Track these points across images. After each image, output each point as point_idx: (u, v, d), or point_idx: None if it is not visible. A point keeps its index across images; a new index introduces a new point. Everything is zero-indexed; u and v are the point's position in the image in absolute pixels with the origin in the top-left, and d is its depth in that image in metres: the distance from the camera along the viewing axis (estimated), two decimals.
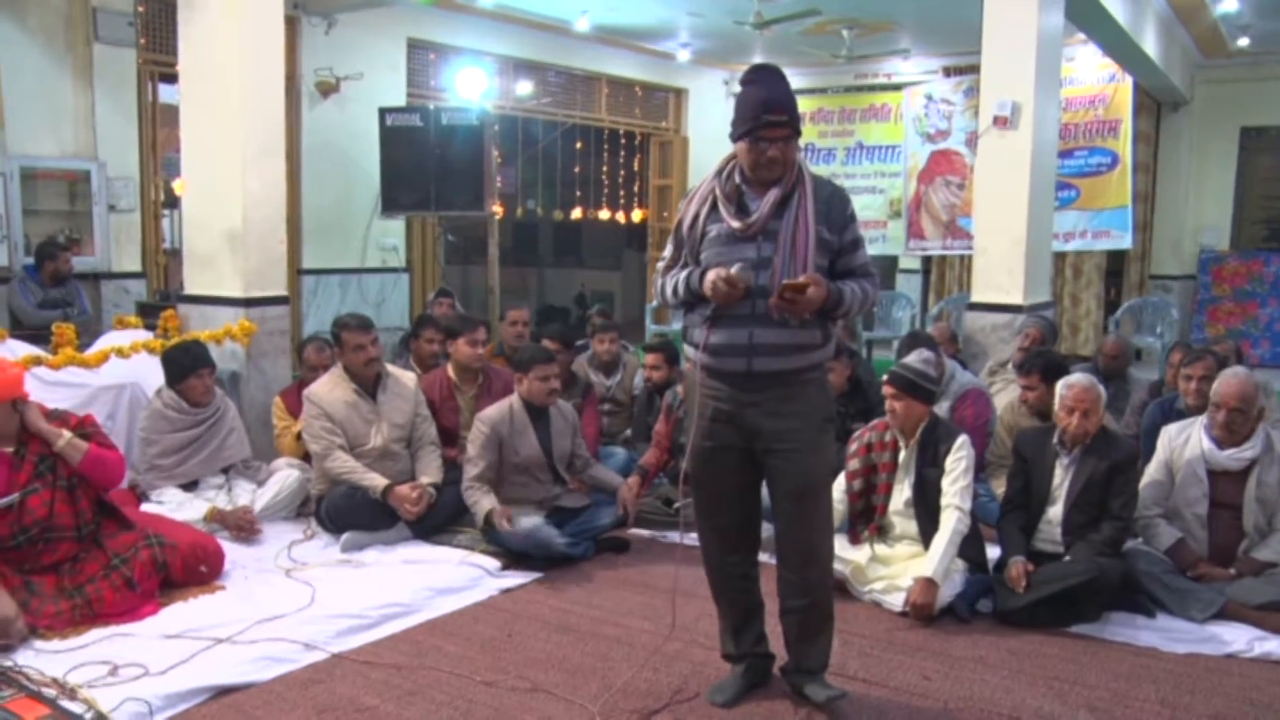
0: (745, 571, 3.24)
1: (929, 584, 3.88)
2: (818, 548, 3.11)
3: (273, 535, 4.74)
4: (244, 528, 4.66)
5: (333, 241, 8.72)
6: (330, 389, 4.83)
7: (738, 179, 3.01)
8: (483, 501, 4.56)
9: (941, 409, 5.27)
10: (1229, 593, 3.92)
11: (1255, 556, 4.04)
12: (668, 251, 3.16)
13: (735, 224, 2.95)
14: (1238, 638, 3.75)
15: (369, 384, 4.88)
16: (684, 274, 3.05)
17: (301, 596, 3.97)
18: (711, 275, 2.91)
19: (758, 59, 11.71)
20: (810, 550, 3.09)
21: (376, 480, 4.66)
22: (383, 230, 8.99)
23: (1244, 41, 9.95)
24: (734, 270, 2.87)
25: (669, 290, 3.11)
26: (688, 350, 3.13)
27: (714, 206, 3.02)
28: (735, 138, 2.98)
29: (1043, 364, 5.00)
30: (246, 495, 4.94)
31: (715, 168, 3.09)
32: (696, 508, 3.21)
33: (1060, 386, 4.22)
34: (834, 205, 3.01)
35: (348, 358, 4.85)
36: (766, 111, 2.90)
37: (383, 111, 8.15)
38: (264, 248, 5.71)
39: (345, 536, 4.61)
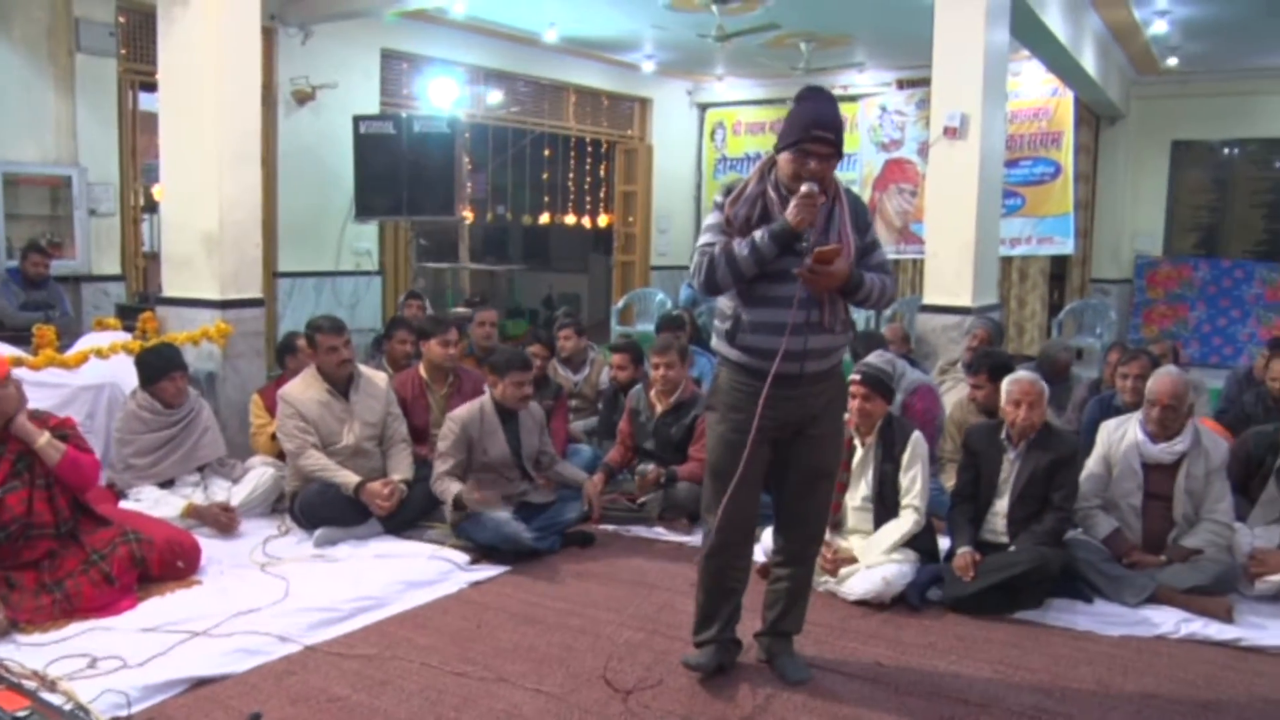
0: (748, 564, 3.32)
1: (852, 558, 4.05)
2: (821, 525, 3.37)
3: (248, 531, 4.70)
4: (223, 522, 4.61)
5: (308, 245, 8.63)
6: (304, 389, 4.79)
7: (784, 191, 3.06)
8: (450, 487, 4.53)
9: (895, 403, 5.30)
10: (1160, 578, 4.01)
11: (1184, 544, 4.12)
12: (710, 238, 3.12)
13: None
14: (1166, 620, 3.84)
15: (341, 384, 4.84)
16: (753, 233, 3.02)
17: (276, 590, 3.93)
18: (793, 203, 2.96)
19: (719, 70, 11.77)
20: (816, 527, 3.35)
21: (349, 477, 4.62)
22: (356, 234, 8.92)
23: (1173, 61, 10.13)
24: (805, 189, 2.95)
25: (734, 253, 3.02)
26: (728, 351, 3.15)
27: (765, 211, 3.07)
28: (781, 148, 3.07)
29: (990, 364, 5.05)
30: (222, 493, 4.88)
31: (757, 174, 3.14)
32: (725, 501, 3.14)
33: (1006, 382, 4.27)
34: (859, 213, 3.17)
35: (321, 359, 4.82)
36: (816, 127, 2.98)
37: (357, 119, 8.09)
38: (240, 251, 5.65)
39: (319, 532, 4.58)
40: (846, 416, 4.24)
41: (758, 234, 3.01)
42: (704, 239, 3.14)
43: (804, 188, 2.95)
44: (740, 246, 3.02)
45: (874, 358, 4.26)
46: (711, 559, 3.24)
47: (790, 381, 3.06)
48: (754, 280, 3.05)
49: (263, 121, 5.81)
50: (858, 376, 4.15)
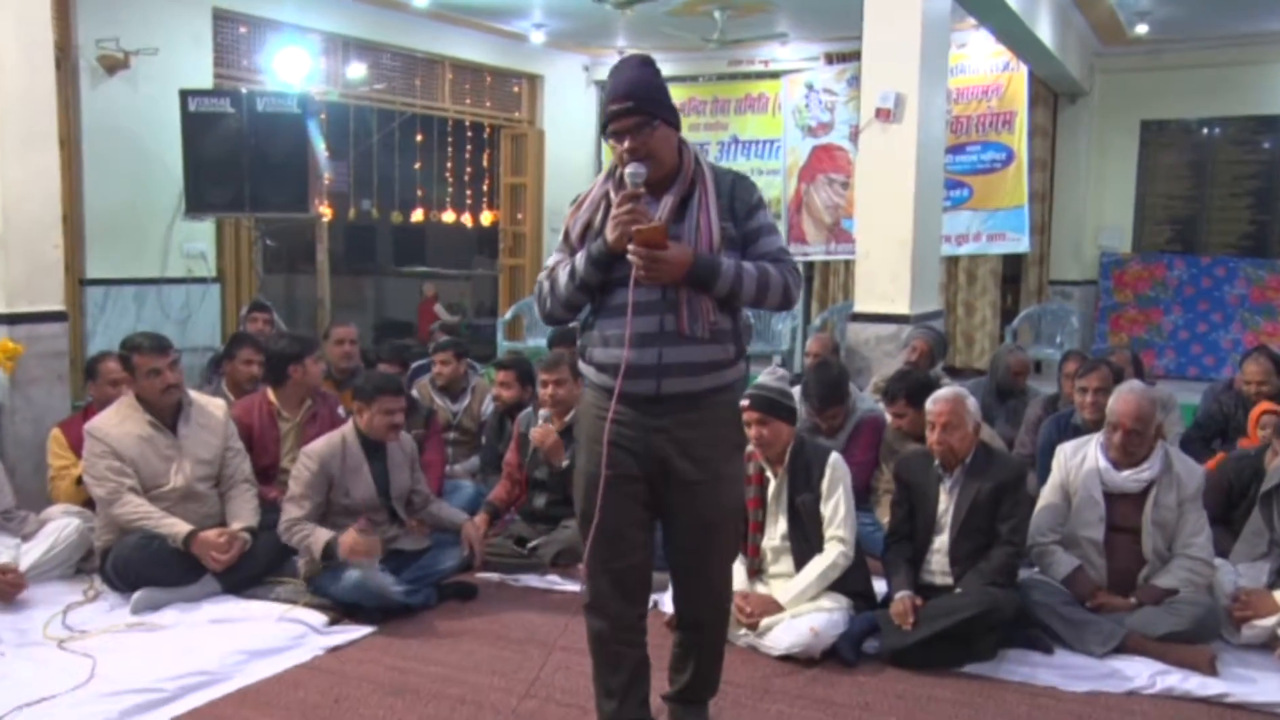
0: (636, 623, 3.21)
1: (772, 603, 4.07)
2: (723, 585, 3.26)
3: (43, 599, 4.53)
4: (4, 589, 4.45)
5: (126, 246, 8.40)
6: (119, 422, 4.67)
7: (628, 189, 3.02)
8: (317, 534, 4.46)
9: (839, 441, 5.39)
10: (1129, 624, 4.09)
11: (1156, 584, 4.20)
12: (552, 260, 3.15)
13: None
14: (1139, 672, 3.91)
15: (167, 414, 4.74)
16: (576, 256, 3.04)
17: (78, 671, 3.80)
18: (610, 220, 2.92)
19: (620, 42, 11.84)
20: (718, 589, 3.23)
21: (177, 526, 4.52)
22: (188, 233, 8.71)
23: (1143, 29, 10.32)
24: (629, 174, 2.91)
25: (558, 280, 3.06)
26: (585, 370, 3.13)
27: (609, 213, 3.02)
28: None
29: (907, 387, 5.17)
30: (8, 552, 4.70)
31: (606, 170, 3.13)
32: (590, 548, 3.12)
33: (927, 403, 4.38)
34: (737, 195, 3.08)
35: (140, 385, 4.70)
36: (611, 102, 2.97)
37: (185, 94, 7.90)
38: (32, 253, 5.51)
39: (137, 595, 4.46)
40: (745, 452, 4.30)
41: (578, 257, 3.02)
42: (549, 259, 3.15)
43: (627, 172, 2.93)
44: (563, 271, 3.05)
45: (766, 377, 4.31)
46: (588, 616, 3.19)
47: (647, 405, 3.01)
48: (604, 287, 3.03)
49: (60, 93, 5.66)
50: (747, 402, 4.17)
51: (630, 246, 2.87)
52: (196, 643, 4.08)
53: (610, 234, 2.93)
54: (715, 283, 2.95)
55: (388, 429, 4.69)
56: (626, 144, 2.96)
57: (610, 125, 2.98)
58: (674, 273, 2.90)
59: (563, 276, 3.05)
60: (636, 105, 2.95)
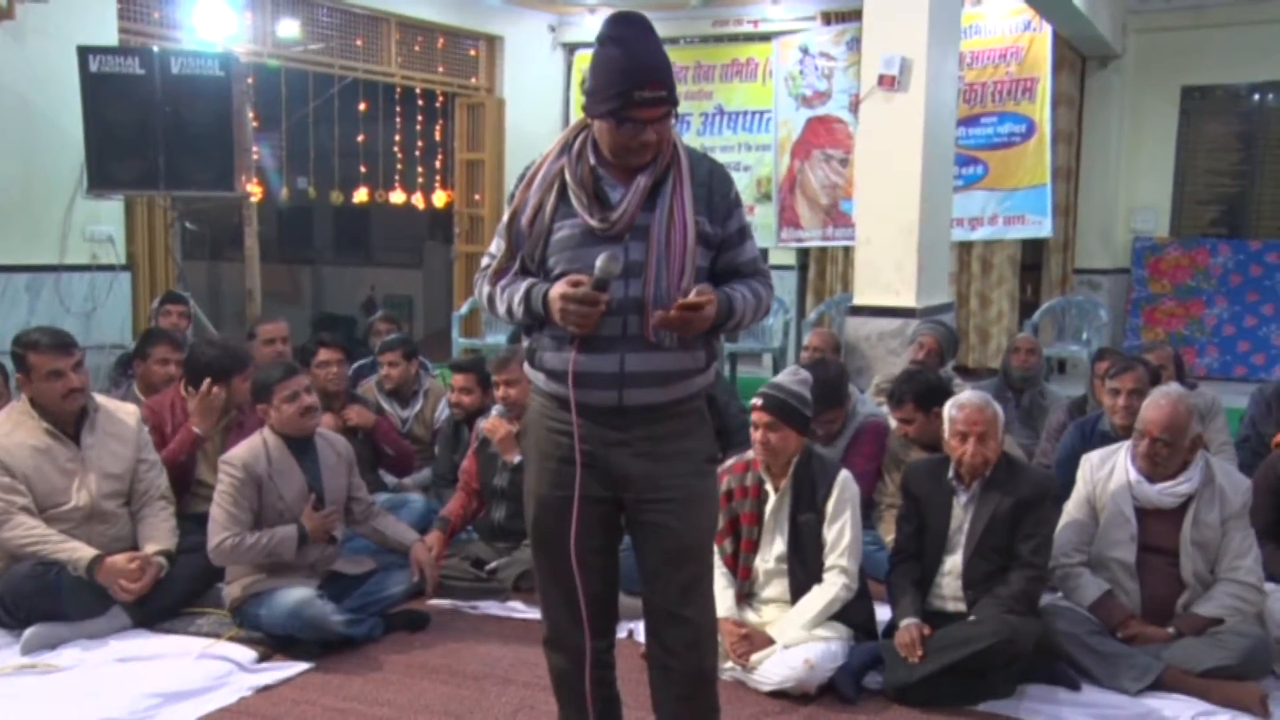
0: (600, 658, 3.20)
1: (764, 638, 4.08)
2: (704, 624, 3.14)
3: None
4: None
5: (16, 228, 8.29)
6: (9, 430, 4.62)
7: (592, 159, 2.95)
8: (279, 531, 4.48)
9: (837, 449, 5.40)
10: (1167, 657, 4.11)
11: (1197, 612, 4.22)
12: (494, 248, 3.07)
13: (594, 221, 2.89)
14: (1180, 713, 3.93)
15: (69, 422, 4.71)
16: (523, 287, 2.97)
17: None
18: (556, 291, 2.84)
19: None
20: (696, 628, 3.11)
21: (79, 551, 4.48)
22: (91, 214, 8.64)
23: None
24: (598, 266, 2.79)
25: (500, 306, 3.03)
26: (534, 376, 3.09)
27: (563, 196, 2.96)
28: (595, 115, 2.91)
29: (914, 389, 5.19)
30: None
31: (560, 141, 3.03)
32: (541, 575, 3.15)
33: (949, 408, 4.38)
34: (714, 187, 3.02)
35: (37, 388, 4.65)
36: (639, 85, 2.82)
37: (84, 51, 7.79)
38: None
39: (30, 632, 4.42)
40: (740, 460, 4.30)
41: (517, 296, 2.96)
42: (491, 246, 3.10)
43: (599, 264, 2.80)
44: (501, 300, 3.01)
45: (784, 376, 4.33)
46: (548, 652, 3.21)
47: (606, 418, 2.97)
48: (556, 278, 2.95)
49: None
50: (759, 401, 4.21)
51: (666, 314, 2.83)
52: (101, 686, 4.06)
53: (555, 311, 2.85)
54: (729, 323, 2.99)
55: (300, 415, 4.67)
56: (648, 135, 2.86)
57: (637, 111, 2.82)
58: (704, 328, 2.91)
59: (500, 301, 3.01)
60: (669, 94, 2.86)
